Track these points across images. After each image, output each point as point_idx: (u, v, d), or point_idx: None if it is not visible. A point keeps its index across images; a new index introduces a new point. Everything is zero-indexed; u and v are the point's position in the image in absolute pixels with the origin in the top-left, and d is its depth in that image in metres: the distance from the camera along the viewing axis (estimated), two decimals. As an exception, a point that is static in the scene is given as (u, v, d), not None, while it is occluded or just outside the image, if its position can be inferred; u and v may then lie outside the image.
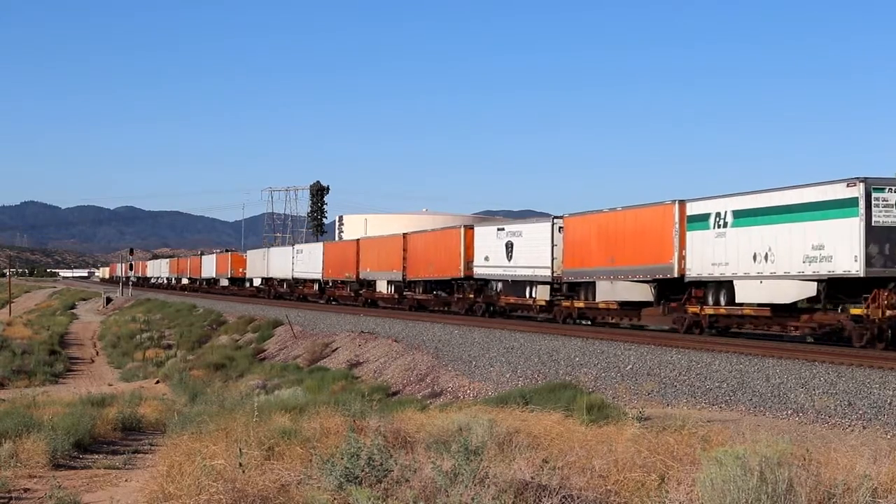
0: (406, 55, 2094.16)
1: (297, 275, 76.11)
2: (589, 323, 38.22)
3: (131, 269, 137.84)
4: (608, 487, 10.21)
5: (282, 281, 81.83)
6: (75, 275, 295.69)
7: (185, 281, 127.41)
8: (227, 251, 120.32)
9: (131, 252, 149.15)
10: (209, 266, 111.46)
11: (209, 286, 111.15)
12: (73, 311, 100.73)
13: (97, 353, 59.68)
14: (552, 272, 39.23)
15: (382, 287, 59.00)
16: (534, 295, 40.82)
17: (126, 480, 15.44)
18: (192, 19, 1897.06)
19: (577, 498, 9.63)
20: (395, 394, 27.09)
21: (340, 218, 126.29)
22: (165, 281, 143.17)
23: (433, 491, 9.57)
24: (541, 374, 24.86)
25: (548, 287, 39.86)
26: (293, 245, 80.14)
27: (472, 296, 46.78)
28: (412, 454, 11.68)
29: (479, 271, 45.77)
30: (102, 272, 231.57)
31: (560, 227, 39.67)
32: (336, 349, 37.44)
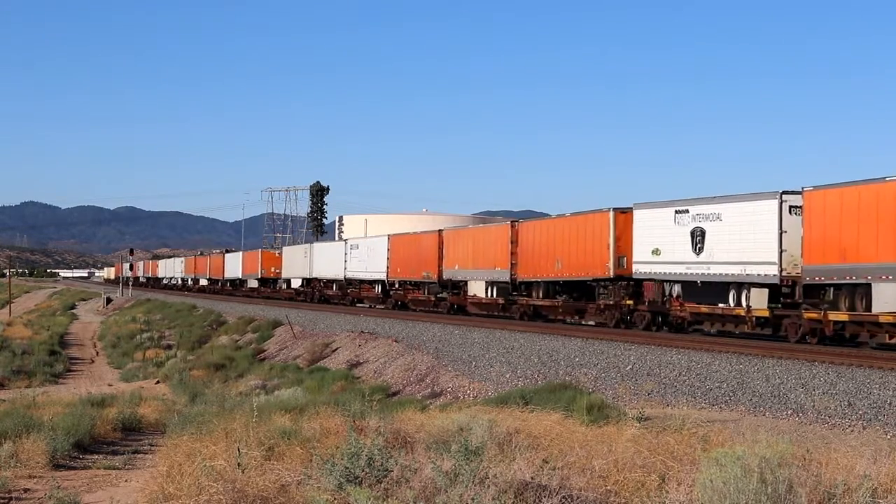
0: (406, 55, 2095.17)
1: (352, 274, 63.80)
2: (873, 345, 27.17)
3: (131, 269, 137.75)
4: (608, 487, 10.21)
5: (330, 282, 69.26)
6: (75, 275, 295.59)
7: (203, 282, 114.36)
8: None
9: (131, 252, 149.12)
10: (234, 265, 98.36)
11: (234, 288, 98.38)
12: (73, 311, 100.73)
13: (97, 353, 59.69)
14: (780, 269, 28.64)
15: (478, 289, 46.48)
16: (744, 302, 29.96)
17: (126, 480, 15.45)
18: (192, 19, 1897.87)
19: (577, 498, 9.63)
20: (395, 394, 27.10)
21: (340, 218, 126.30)
22: (180, 282, 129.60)
23: (433, 491, 9.57)
24: (541, 375, 24.86)
25: (766, 291, 29.52)
26: (345, 240, 67.12)
27: (628, 301, 35.40)
28: (412, 454, 11.68)
29: (641, 269, 34.48)
30: (107, 272, 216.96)
31: (794, 207, 28.74)
32: (336, 349, 37.45)
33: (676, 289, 33.15)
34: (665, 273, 33.35)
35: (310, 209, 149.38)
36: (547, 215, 52.08)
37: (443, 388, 26.29)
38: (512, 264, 42.96)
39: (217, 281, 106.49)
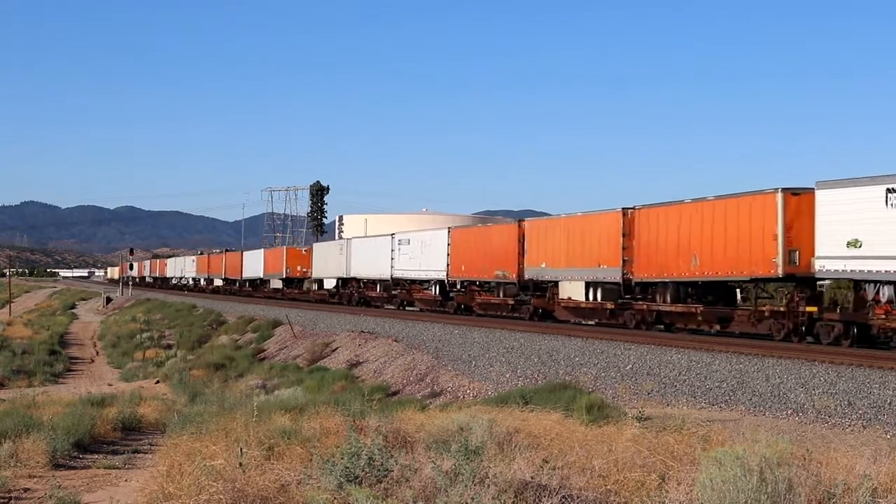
0: (406, 56, 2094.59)
1: (400, 273, 55.02)
2: None
3: (131, 268, 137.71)
4: (608, 487, 10.21)
5: (372, 282, 60.42)
6: (75, 275, 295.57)
7: (217, 282, 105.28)
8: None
9: (131, 252, 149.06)
10: (254, 264, 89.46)
11: (254, 289, 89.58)
12: (73, 311, 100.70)
13: (97, 353, 59.66)
14: None
15: (574, 291, 38.57)
16: None
17: (126, 480, 15.44)
18: (192, 19, 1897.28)
19: (577, 498, 9.63)
20: (395, 394, 27.10)
21: (340, 218, 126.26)
22: (191, 282, 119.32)
23: (433, 491, 9.57)
24: (541, 374, 24.86)
25: None
26: (392, 234, 57.05)
27: (808, 308, 27.85)
28: (412, 454, 11.68)
29: (830, 266, 26.69)
30: (110, 272, 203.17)
31: None
32: (336, 349, 37.44)
33: (887, 291, 25.24)
34: (869, 271, 25.50)
35: (310, 209, 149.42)
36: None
37: (443, 387, 26.29)
38: (624, 261, 35.16)
39: (234, 281, 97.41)
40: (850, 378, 19.65)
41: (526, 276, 41.74)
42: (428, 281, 52.08)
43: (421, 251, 52.34)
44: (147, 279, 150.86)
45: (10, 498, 13.68)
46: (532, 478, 10.04)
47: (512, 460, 10.86)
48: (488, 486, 9.48)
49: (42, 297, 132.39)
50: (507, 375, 25.55)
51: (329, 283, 69.09)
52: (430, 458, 10.99)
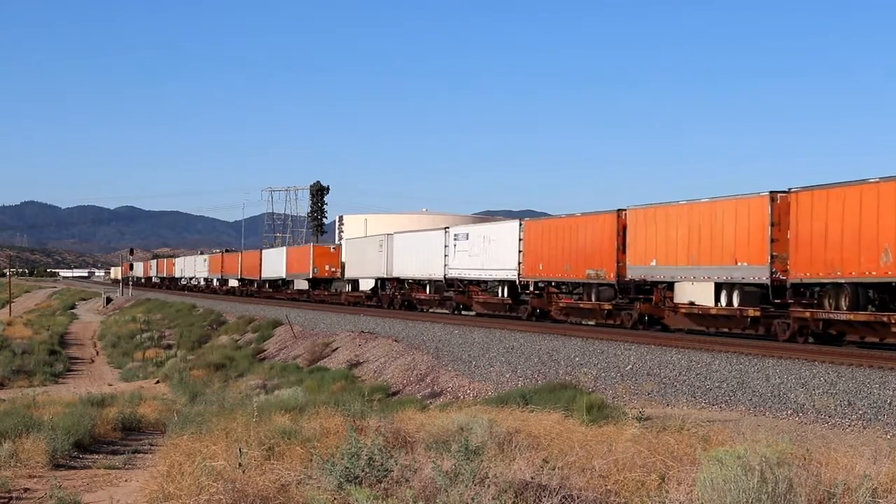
0: (406, 55, 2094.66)
1: (456, 273, 48.15)
2: None
3: (131, 268, 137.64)
4: (608, 487, 10.21)
5: (420, 283, 53.79)
6: (75, 275, 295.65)
7: (233, 283, 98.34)
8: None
9: (131, 252, 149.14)
10: (275, 263, 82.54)
11: (275, 290, 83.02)
12: (73, 311, 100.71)
13: (97, 353, 59.68)
14: None
15: (699, 294, 31.64)
16: None
17: (126, 480, 15.45)
18: (192, 19, 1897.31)
19: (577, 498, 9.63)
20: (395, 394, 27.09)
21: (340, 218, 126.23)
22: (203, 283, 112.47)
23: (433, 491, 9.57)
24: (541, 374, 24.86)
25: None
26: (446, 228, 50.42)
27: None
28: (412, 454, 11.69)
29: None
30: (113, 272, 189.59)
31: None
32: (336, 349, 37.44)
33: None
34: None
35: (310, 209, 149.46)
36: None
37: (443, 387, 26.28)
38: (773, 257, 28.68)
39: (252, 282, 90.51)
40: (850, 378, 19.65)
41: (628, 276, 34.94)
42: (493, 282, 45.41)
43: (483, 247, 45.43)
44: (153, 279, 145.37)
45: (10, 498, 13.69)
46: (532, 478, 10.05)
47: (512, 460, 10.87)
48: (488, 486, 9.48)
49: (42, 297, 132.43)
50: (508, 375, 25.54)
51: (366, 284, 62.07)
52: (430, 458, 11.00)
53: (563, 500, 9.49)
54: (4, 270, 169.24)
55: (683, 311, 32.24)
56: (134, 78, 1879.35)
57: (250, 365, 39.83)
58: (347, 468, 10.37)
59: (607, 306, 36.38)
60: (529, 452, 11.60)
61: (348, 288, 65.31)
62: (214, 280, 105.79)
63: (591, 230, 37.73)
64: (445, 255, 49.28)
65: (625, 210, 35.95)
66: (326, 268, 70.26)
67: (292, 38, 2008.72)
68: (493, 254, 44.72)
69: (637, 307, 34.79)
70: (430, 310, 51.70)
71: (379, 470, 10.34)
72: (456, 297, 49.04)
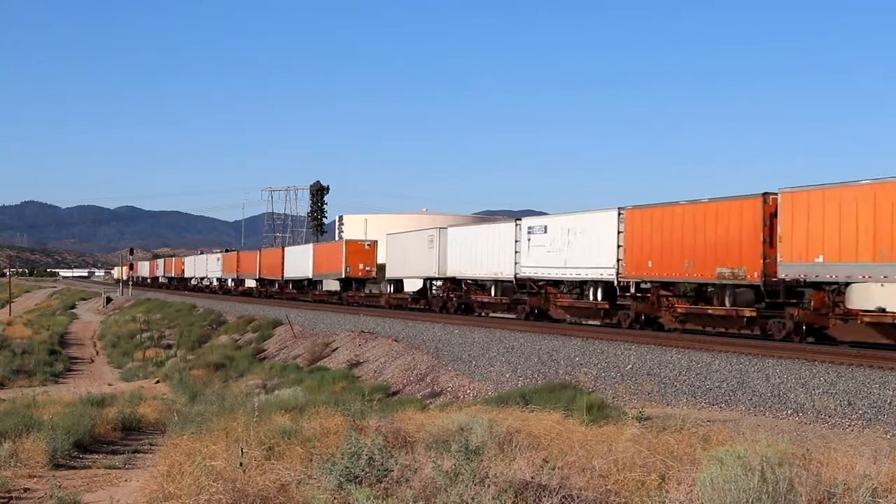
0: (406, 55, 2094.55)
1: (532, 272, 41.16)
2: None
3: (131, 268, 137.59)
4: (608, 487, 10.21)
5: (481, 283, 46.88)
6: (75, 275, 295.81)
7: (250, 283, 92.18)
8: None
9: (131, 252, 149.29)
10: (300, 261, 74.24)
11: (299, 291, 75.53)
12: (73, 310, 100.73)
13: (97, 352, 59.70)
14: None
15: (891, 299, 25.50)
16: None
17: (126, 480, 15.44)
18: (192, 20, 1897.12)
19: (577, 498, 9.63)
20: (395, 394, 27.10)
21: (340, 218, 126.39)
22: (216, 283, 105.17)
23: (433, 491, 9.57)
24: (541, 374, 24.87)
25: None
26: (517, 221, 43.45)
27: None
28: (412, 454, 11.69)
29: None
30: (117, 272, 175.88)
31: None
32: (336, 349, 37.45)
33: None
34: None
35: (310, 209, 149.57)
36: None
37: (443, 387, 26.30)
38: None
39: (272, 282, 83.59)
40: (850, 378, 19.65)
41: (780, 275, 28.59)
42: (579, 282, 38.82)
43: (567, 242, 38.89)
44: (160, 279, 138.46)
45: (10, 498, 13.68)
46: (532, 478, 10.05)
47: (512, 460, 10.87)
48: (488, 486, 9.48)
49: (42, 297, 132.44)
50: (508, 375, 25.55)
51: (411, 285, 56.36)
52: (430, 458, 11.00)
53: (563, 499, 9.49)
54: (4, 270, 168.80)
55: (868, 319, 26.03)
56: (134, 78, 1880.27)
57: (250, 365, 39.84)
58: (347, 468, 10.37)
59: (748, 313, 29.77)
60: (529, 452, 11.60)
61: (390, 289, 57.86)
62: (229, 280, 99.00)
63: (724, 219, 31.03)
64: (516, 252, 42.16)
65: (775, 194, 29.13)
66: (360, 266, 63.45)
67: (292, 39, 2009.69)
68: (580, 249, 37.96)
69: (791, 314, 28.25)
70: (492, 314, 46.00)
71: (379, 470, 10.34)
72: (531, 301, 41.56)
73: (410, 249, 54.16)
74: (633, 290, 35.64)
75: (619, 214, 35.74)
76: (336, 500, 9.90)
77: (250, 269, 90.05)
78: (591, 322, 37.75)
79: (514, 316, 42.83)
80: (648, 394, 20.84)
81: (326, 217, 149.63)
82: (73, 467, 16.56)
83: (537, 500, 9.49)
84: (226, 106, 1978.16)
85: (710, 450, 10.54)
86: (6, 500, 13.55)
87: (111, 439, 20.55)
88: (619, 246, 35.63)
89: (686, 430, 14.03)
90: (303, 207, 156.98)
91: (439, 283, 51.27)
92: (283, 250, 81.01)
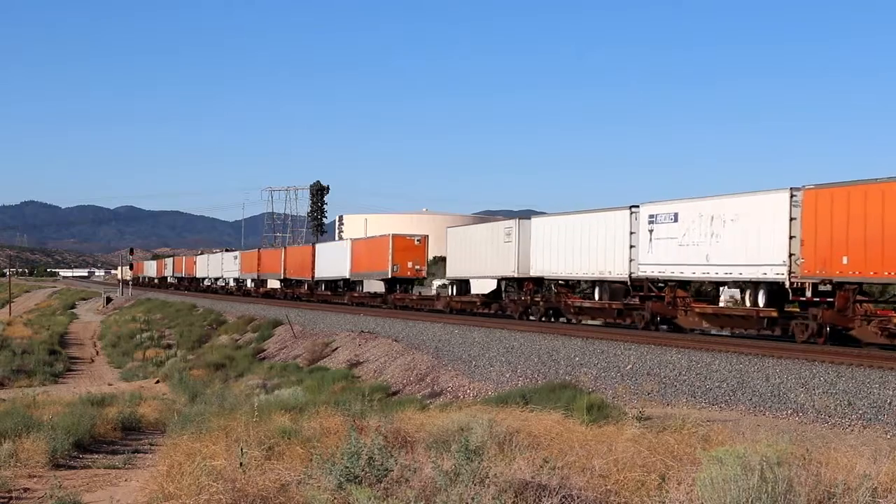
0: (406, 55, 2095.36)
1: (654, 270, 33.67)
2: None
3: (131, 268, 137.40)
4: (608, 487, 10.21)
5: (578, 284, 39.66)
6: (75, 275, 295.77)
7: (273, 284, 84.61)
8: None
9: (131, 252, 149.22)
10: (335, 259, 65.79)
11: (333, 293, 67.19)
12: (73, 310, 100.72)
13: (97, 352, 59.69)
14: None
15: None
16: None
17: (126, 480, 15.45)
18: (192, 19, 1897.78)
19: (577, 498, 9.63)
20: (395, 393, 27.10)
21: (340, 218, 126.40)
22: (233, 283, 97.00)
23: (433, 491, 9.57)
24: (541, 374, 24.86)
25: None
26: (632, 207, 35.65)
27: None
28: (412, 454, 11.69)
29: None
30: (121, 272, 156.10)
31: None
32: (336, 349, 37.45)
33: None
34: None
35: (310, 209, 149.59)
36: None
37: (443, 387, 26.29)
38: None
39: (300, 282, 75.34)
40: (850, 378, 19.65)
41: None
42: (734, 284, 31.24)
43: (711, 233, 31.26)
44: (169, 279, 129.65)
45: (10, 498, 13.68)
46: (532, 478, 10.04)
47: (512, 460, 10.87)
48: (488, 485, 9.48)
49: (42, 297, 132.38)
50: (508, 375, 25.55)
51: (480, 286, 47.65)
52: (430, 457, 11.00)
53: (563, 499, 9.49)
54: (4, 270, 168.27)
55: None
56: (134, 78, 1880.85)
57: (250, 365, 39.86)
58: (347, 468, 10.36)
59: None
60: (529, 452, 11.60)
61: (451, 291, 50.15)
62: (248, 281, 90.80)
63: None
64: (632, 247, 34.62)
65: None
66: (409, 265, 55.38)
67: (292, 39, 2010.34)
68: (731, 241, 30.45)
69: None
70: (589, 321, 38.67)
71: (379, 470, 10.34)
72: (651, 305, 33.73)
73: (480, 245, 46.40)
74: (809, 293, 27.56)
75: (792, 197, 28.23)
76: (336, 500, 9.90)
77: (274, 268, 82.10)
78: (744, 331, 30.98)
79: (630, 324, 35.16)
80: (648, 394, 20.84)
81: (326, 217, 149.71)
82: (73, 467, 16.56)
83: (537, 500, 9.48)
84: (226, 106, 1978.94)
85: (710, 450, 10.54)
86: (6, 500, 13.55)
87: (111, 439, 20.55)
88: (791, 237, 28.04)
89: (686, 430, 14.03)
90: (303, 207, 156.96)
91: (518, 283, 43.19)
92: (313, 247, 72.92)
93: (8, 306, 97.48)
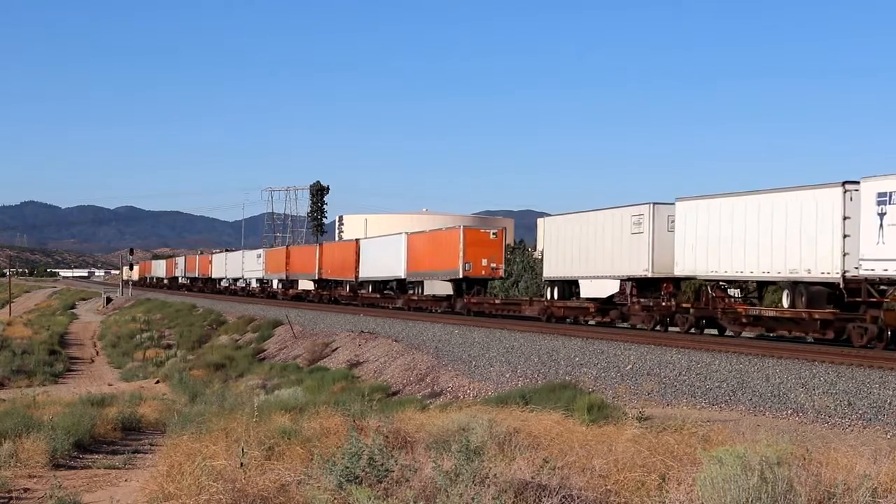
0: (406, 55, 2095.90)
1: (887, 269, 24.03)
2: None
3: (131, 268, 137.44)
4: (608, 487, 10.22)
5: (748, 286, 31.00)
6: (75, 275, 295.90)
7: (305, 284, 75.27)
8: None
9: (131, 252, 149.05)
10: (386, 257, 56.87)
11: (383, 295, 58.64)
12: (73, 310, 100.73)
13: (97, 352, 59.70)
14: None
15: None
16: None
17: (126, 480, 15.45)
18: (192, 19, 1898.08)
19: (577, 498, 9.63)
20: (395, 394, 27.10)
21: (340, 218, 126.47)
22: (256, 285, 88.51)
23: (433, 491, 9.57)
24: (541, 374, 24.87)
25: None
26: (845, 184, 26.12)
27: None
28: (412, 454, 11.70)
29: None
30: (126, 272, 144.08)
31: None
32: (336, 349, 37.45)
33: None
34: None
35: (310, 209, 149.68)
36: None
37: (443, 387, 26.30)
38: None
39: (340, 283, 66.15)
40: (850, 378, 19.65)
41: None
42: None
43: None
44: (181, 280, 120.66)
45: (10, 498, 13.69)
46: (532, 478, 10.05)
47: (512, 460, 10.87)
48: (488, 486, 9.48)
49: (42, 297, 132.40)
50: (508, 375, 25.55)
51: (593, 288, 37.48)
52: (430, 458, 11.01)
53: (563, 500, 9.50)
54: (4, 270, 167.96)
55: None
56: (134, 78, 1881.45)
57: (250, 365, 39.86)
58: (348, 468, 10.37)
59: None
60: (529, 452, 11.61)
61: (551, 293, 40.77)
62: (275, 281, 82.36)
63: None
64: (845, 236, 25.92)
65: None
66: (484, 263, 47.27)
67: (292, 38, 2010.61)
68: None
69: None
70: (771, 333, 30.44)
71: (379, 470, 10.34)
72: (885, 315, 24.38)
73: (594, 237, 37.59)
74: None
75: None
76: (336, 501, 9.91)
77: (306, 267, 72.55)
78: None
79: (829, 339, 26.94)
80: (648, 394, 20.84)
81: (326, 217, 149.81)
82: (73, 467, 16.57)
83: (537, 500, 9.49)
84: (226, 106, 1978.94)
85: (710, 450, 10.55)
86: (6, 500, 13.56)
87: (111, 439, 20.55)
88: None
89: (686, 430, 14.03)
90: (303, 207, 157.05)
91: (649, 286, 34.44)
92: (357, 243, 62.87)
93: (8, 306, 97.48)
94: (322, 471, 10.63)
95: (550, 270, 41.10)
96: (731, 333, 30.76)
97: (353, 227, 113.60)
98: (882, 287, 24.90)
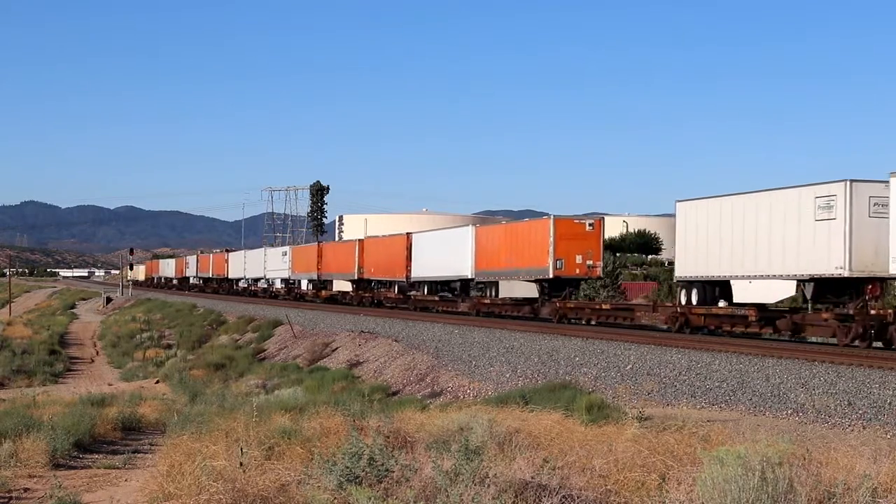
0: (406, 55, 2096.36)
1: None
2: None
3: (131, 268, 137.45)
4: (608, 487, 10.21)
5: None
6: (75, 275, 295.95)
7: (341, 285, 66.54)
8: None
9: (131, 252, 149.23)
10: (446, 253, 48.92)
11: (442, 298, 50.83)
12: (73, 310, 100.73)
13: (97, 352, 59.71)
14: None
15: None
16: None
17: (126, 480, 15.44)
18: (191, 19, 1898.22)
19: (577, 498, 9.63)
20: (395, 393, 27.11)
21: (340, 218, 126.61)
22: (281, 286, 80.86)
23: (433, 491, 9.57)
24: (541, 374, 24.86)
25: None
26: None
27: None
28: (412, 454, 11.69)
29: None
30: (131, 273, 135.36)
31: None
32: (336, 349, 37.45)
33: None
34: None
35: (310, 209, 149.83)
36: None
37: (443, 387, 26.30)
38: None
39: (385, 284, 58.73)
40: (850, 378, 19.65)
41: None
42: None
43: None
44: (192, 280, 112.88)
45: (10, 498, 13.68)
46: (532, 478, 10.05)
47: (512, 460, 10.87)
48: (488, 485, 9.48)
49: (42, 297, 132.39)
50: (508, 375, 25.55)
51: (752, 293, 30.06)
52: (430, 458, 11.00)
53: (563, 499, 9.50)
54: (4, 270, 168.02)
55: None
56: (133, 78, 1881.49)
57: (250, 365, 39.85)
58: (348, 468, 10.37)
59: None
60: (529, 452, 11.60)
61: (688, 297, 32.64)
62: (304, 282, 74.95)
63: None
64: None
65: None
66: (578, 260, 39.76)
67: (292, 38, 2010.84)
68: None
69: None
70: None
71: (379, 470, 10.34)
72: None
73: (758, 226, 29.12)
74: None
75: None
76: (336, 500, 9.91)
77: (343, 266, 64.50)
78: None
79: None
80: (648, 394, 20.84)
81: (326, 217, 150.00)
82: (73, 467, 16.56)
83: (537, 500, 9.49)
84: (226, 106, 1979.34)
85: (710, 450, 10.54)
86: (6, 500, 13.55)
87: (111, 439, 20.53)
88: None
89: (686, 430, 14.03)
90: (303, 207, 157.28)
91: (846, 289, 26.79)
92: (408, 238, 54.11)
93: (8, 306, 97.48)
94: (322, 471, 10.63)
95: (687, 268, 32.76)
96: None
97: (353, 227, 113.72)
98: None
